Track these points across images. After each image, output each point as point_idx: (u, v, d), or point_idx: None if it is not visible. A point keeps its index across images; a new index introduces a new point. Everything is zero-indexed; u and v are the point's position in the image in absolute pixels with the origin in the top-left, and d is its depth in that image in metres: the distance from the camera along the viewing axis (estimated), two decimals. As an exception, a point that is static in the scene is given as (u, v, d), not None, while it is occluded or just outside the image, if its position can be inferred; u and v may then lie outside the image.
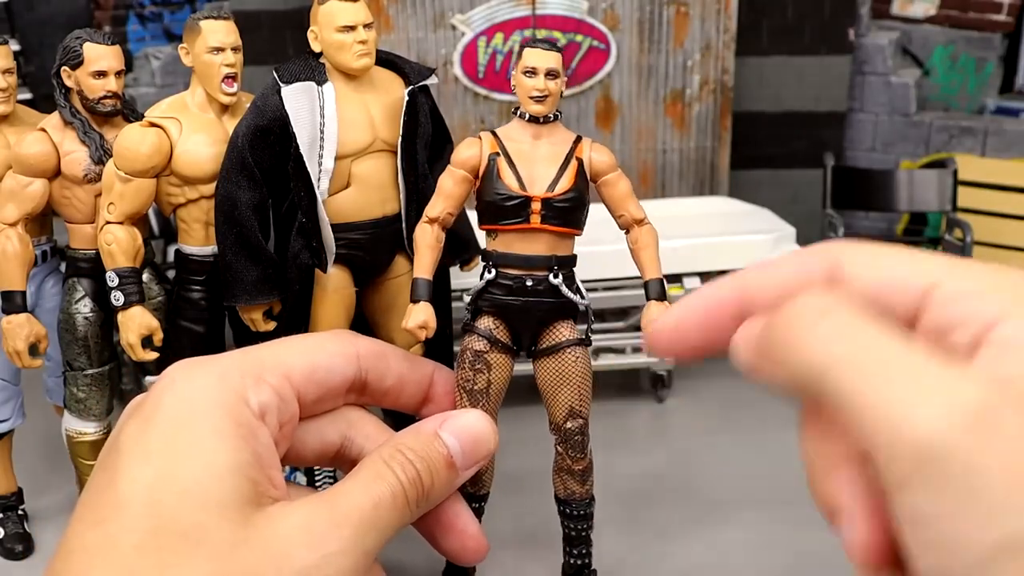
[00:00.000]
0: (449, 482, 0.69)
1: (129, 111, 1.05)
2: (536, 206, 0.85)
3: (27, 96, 1.81)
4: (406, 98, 0.96)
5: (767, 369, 0.44)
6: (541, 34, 1.68)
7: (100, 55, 1.00)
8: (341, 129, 0.94)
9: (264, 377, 0.69)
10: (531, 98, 0.86)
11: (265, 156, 0.94)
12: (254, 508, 0.57)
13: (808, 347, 0.42)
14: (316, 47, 0.95)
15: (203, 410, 0.61)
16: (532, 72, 0.86)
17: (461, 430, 0.72)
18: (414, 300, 0.87)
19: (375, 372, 0.78)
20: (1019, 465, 0.38)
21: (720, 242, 1.44)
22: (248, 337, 1.00)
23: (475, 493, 0.92)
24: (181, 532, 0.54)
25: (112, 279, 0.98)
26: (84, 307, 1.05)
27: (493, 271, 0.87)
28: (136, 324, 0.99)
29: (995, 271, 0.53)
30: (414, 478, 0.66)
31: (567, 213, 0.87)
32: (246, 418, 0.63)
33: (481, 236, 0.94)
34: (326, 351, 0.78)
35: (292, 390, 0.71)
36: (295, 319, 1.02)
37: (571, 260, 0.90)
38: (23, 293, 1.02)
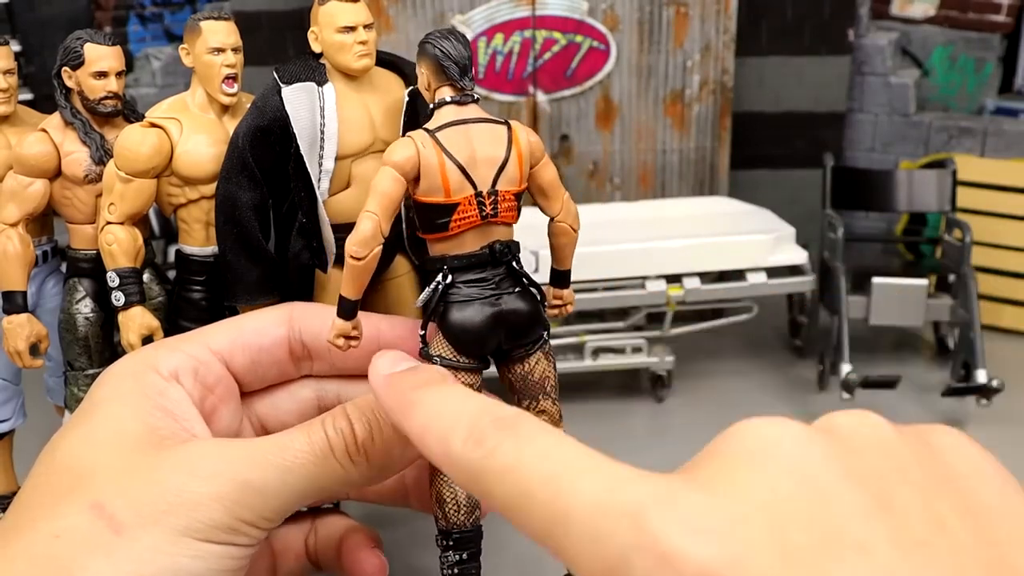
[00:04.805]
0: (402, 439, 0.69)
1: (130, 111, 1.06)
2: None
3: (28, 96, 1.81)
4: (406, 98, 0.96)
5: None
6: (541, 35, 1.68)
7: (101, 55, 1.00)
8: (341, 129, 0.94)
9: (180, 347, 0.78)
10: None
11: (265, 156, 0.94)
12: (153, 446, 0.67)
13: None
14: (316, 48, 0.95)
15: (113, 382, 0.73)
16: None
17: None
18: None
19: (310, 331, 0.79)
20: None
21: (720, 242, 1.45)
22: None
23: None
24: (71, 467, 0.65)
25: (113, 279, 0.99)
26: (85, 307, 1.05)
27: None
28: (137, 324, 0.99)
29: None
30: (346, 434, 0.68)
31: None
32: (152, 380, 0.74)
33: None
34: (256, 319, 0.84)
35: (214, 354, 0.79)
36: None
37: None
38: (24, 293, 1.03)
